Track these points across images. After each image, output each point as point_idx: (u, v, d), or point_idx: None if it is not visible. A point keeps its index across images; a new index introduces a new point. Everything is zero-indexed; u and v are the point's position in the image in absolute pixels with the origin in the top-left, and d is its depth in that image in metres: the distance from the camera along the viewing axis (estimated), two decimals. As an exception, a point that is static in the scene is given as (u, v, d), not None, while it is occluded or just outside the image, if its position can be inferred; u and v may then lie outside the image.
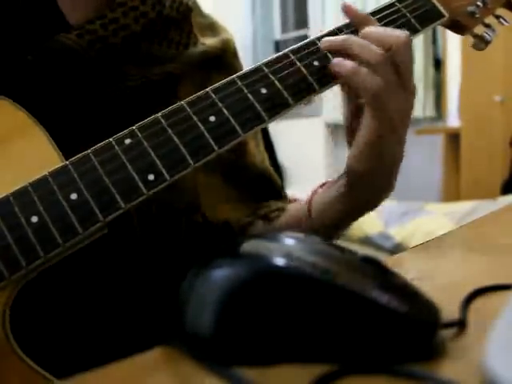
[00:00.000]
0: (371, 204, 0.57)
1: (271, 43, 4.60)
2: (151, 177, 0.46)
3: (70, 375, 0.28)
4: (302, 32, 4.40)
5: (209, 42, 0.68)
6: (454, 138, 3.22)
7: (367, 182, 0.54)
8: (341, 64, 0.52)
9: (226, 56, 0.69)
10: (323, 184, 0.61)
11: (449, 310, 0.33)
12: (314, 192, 0.60)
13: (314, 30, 4.18)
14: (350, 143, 0.55)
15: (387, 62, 0.51)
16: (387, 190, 0.56)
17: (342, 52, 0.53)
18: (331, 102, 3.89)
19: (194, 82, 0.64)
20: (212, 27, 0.71)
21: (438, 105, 3.61)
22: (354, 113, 0.55)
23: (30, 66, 0.56)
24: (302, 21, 4.40)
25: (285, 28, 4.61)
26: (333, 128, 4.16)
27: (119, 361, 0.29)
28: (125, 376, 0.29)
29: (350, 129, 0.55)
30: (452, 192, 3.18)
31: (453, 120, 3.32)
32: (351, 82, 0.52)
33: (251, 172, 0.70)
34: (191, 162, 0.47)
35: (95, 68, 0.58)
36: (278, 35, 4.61)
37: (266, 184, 0.71)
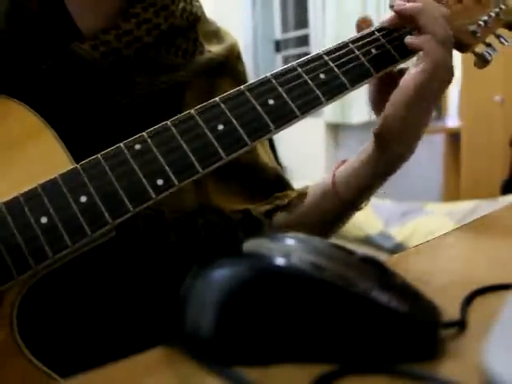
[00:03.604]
0: (394, 166, 0.61)
1: (271, 43, 4.60)
2: (160, 181, 0.47)
3: (71, 375, 0.28)
4: (302, 32, 4.40)
5: (215, 49, 0.68)
6: (454, 137, 3.22)
7: (396, 144, 0.58)
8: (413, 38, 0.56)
9: (229, 61, 0.70)
10: (343, 162, 0.65)
11: (449, 310, 0.33)
12: (336, 167, 0.65)
13: (314, 30, 4.18)
14: (377, 110, 0.60)
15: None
16: (409, 154, 0.60)
17: (412, 19, 0.56)
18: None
19: (201, 89, 0.65)
20: (217, 34, 0.71)
21: (438, 105, 3.61)
22: (381, 83, 0.60)
23: (44, 75, 0.56)
24: (302, 21, 4.39)
25: (285, 28, 4.60)
26: (333, 128, 4.16)
27: (119, 361, 0.29)
28: (125, 376, 0.29)
29: (375, 97, 0.61)
30: (452, 192, 3.18)
31: (453, 120, 3.32)
32: (424, 49, 0.55)
33: (264, 172, 0.71)
34: (199, 168, 0.48)
35: (106, 77, 0.58)
36: (278, 35, 4.61)
37: (279, 183, 0.72)
